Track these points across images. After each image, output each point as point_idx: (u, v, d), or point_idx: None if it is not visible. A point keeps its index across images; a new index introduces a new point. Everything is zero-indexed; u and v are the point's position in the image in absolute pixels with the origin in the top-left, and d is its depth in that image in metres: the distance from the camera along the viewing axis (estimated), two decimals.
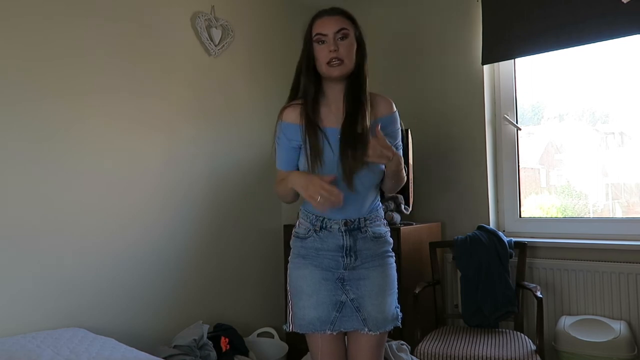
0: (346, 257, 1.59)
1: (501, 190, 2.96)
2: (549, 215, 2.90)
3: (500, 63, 2.93)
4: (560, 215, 2.86)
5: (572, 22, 2.56)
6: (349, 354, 1.66)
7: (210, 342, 2.43)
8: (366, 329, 1.57)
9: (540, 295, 2.32)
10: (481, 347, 2.23)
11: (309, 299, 1.59)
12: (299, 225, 1.68)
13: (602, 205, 2.79)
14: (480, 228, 2.71)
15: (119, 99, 2.46)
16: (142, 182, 2.53)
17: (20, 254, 2.12)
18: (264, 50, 3.14)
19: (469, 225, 2.90)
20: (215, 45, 2.85)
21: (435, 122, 3.08)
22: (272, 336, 2.91)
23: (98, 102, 2.38)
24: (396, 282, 1.66)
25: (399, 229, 2.62)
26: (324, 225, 1.60)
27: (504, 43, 2.77)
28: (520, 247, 2.60)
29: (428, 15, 3.13)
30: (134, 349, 1.94)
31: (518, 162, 2.92)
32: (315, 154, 1.57)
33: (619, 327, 2.32)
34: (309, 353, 2.46)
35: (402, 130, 1.74)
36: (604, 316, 2.45)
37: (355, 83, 1.59)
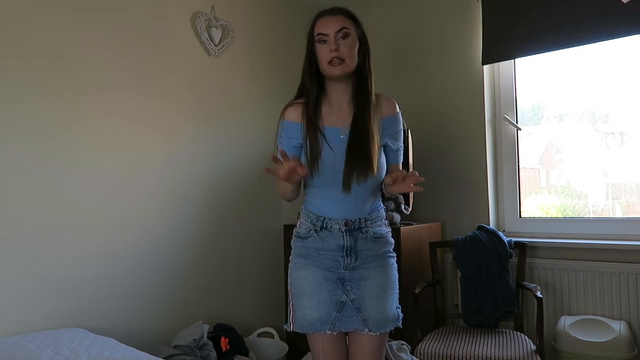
0: (346, 257, 1.59)
1: (501, 190, 2.96)
2: (549, 215, 2.90)
3: (500, 63, 2.93)
4: (560, 215, 2.86)
5: (572, 22, 2.56)
6: (349, 355, 1.65)
7: (210, 342, 2.43)
8: (366, 330, 1.57)
9: (540, 295, 2.32)
10: (481, 347, 2.23)
11: (309, 299, 1.59)
12: (299, 225, 1.68)
13: (602, 205, 2.79)
14: (480, 228, 2.71)
15: (119, 99, 2.46)
16: (142, 182, 2.53)
17: (20, 254, 2.12)
18: (264, 50, 3.14)
19: (469, 225, 2.90)
20: (215, 45, 2.85)
21: (435, 122, 3.08)
22: (272, 336, 2.91)
23: (98, 102, 2.38)
24: (397, 283, 1.66)
25: (399, 229, 2.62)
26: (324, 225, 1.60)
27: (504, 43, 2.77)
28: (520, 247, 2.60)
29: (428, 15, 3.13)
30: (134, 349, 1.94)
31: (518, 162, 2.92)
32: (315, 153, 1.58)
33: (619, 327, 2.32)
34: (309, 353, 2.47)
35: (404, 130, 1.75)
36: (604, 316, 2.45)
37: (360, 83, 1.60)
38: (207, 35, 2.81)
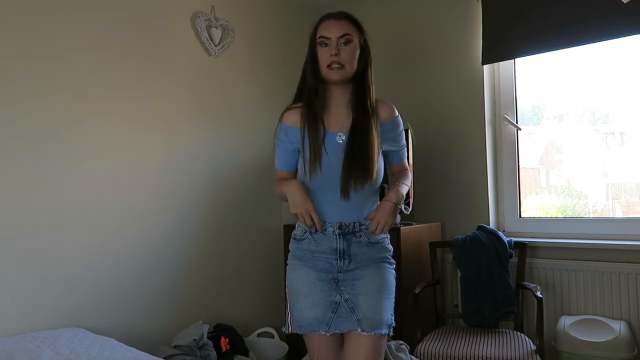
0: (340, 260, 1.59)
1: (501, 190, 2.96)
2: (549, 215, 2.90)
3: (500, 63, 2.93)
4: (560, 215, 2.86)
5: (572, 22, 2.56)
6: (344, 357, 1.63)
7: (210, 342, 2.43)
8: (359, 329, 1.55)
9: (540, 295, 2.32)
10: (481, 347, 2.23)
11: (305, 299, 1.59)
12: (297, 226, 1.68)
13: (602, 205, 2.79)
14: (480, 228, 2.71)
15: (119, 99, 2.46)
16: (142, 182, 2.54)
17: (20, 254, 2.12)
18: (264, 50, 3.14)
19: (469, 225, 2.89)
20: (215, 45, 2.85)
21: (435, 122, 3.08)
22: (272, 336, 2.91)
23: (98, 102, 2.38)
24: (393, 290, 1.63)
25: (399, 229, 2.62)
26: (325, 227, 1.60)
27: (504, 43, 2.77)
28: (520, 247, 2.60)
29: (428, 15, 3.13)
30: (134, 349, 1.94)
31: (518, 162, 2.92)
32: (313, 158, 1.58)
33: (619, 327, 2.32)
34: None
35: (405, 130, 1.79)
36: (604, 316, 2.45)
37: (359, 89, 1.61)
38: (207, 35, 2.81)
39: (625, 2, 2.38)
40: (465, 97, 2.97)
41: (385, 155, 1.70)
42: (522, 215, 2.92)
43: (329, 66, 1.56)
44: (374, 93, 1.64)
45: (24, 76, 2.15)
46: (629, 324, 2.38)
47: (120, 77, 2.47)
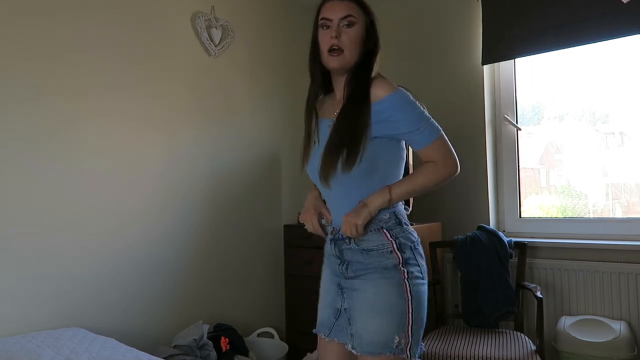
0: (341, 265, 1.51)
1: (501, 190, 2.96)
2: (549, 215, 2.90)
3: (500, 63, 2.93)
4: (560, 215, 2.86)
5: (572, 22, 2.56)
6: None
7: (210, 342, 2.43)
8: (349, 345, 1.43)
9: (540, 295, 2.32)
10: (481, 347, 2.23)
11: (321, 300, 1.58)
12: None
13: (602, 205, 2.79)
14: (480, 228, 2.71)
15: (119, 99, 2.46)
16: (142, 182, 2.54)
17: (20, 254, 2.12)
18: (264, 50, 3.14)
19: (469, 225, 2.89)
20: (215, 46, 2.85)
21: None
22: (272, 336, 2.91)
23: (98, 102, 2.38)
24: (397, 305, 1.39)
25: None
26: (325, 230, 1.57)
27: (504, 43, 2.77)
28: (520, 247, 2.60)
29: (428, 16, 3.13)
30: (134, 349, 1.93)
31: (518, 162, 2.92)
32: (306, 146, 1.54)
33: (619, 327, 2.32)
34: (309, 353, 2.47)
35: (420, 111, 1.47)
36: (604, 316, 2.45)
37: (356, 76, 1.45)
38: (207, 36, 2.81)
39: (625, 2, 2.38)
40: (465, 97, 2.97)
41: (405, 142, 1.47)
42: (522, 216, 2.92)
43: (329, 51, 1.44)
44: (373, 75, 1.46)
45: (24, 76, 2.15)
46: (629, 324, 2.38)
47: (120, 77, 2.47)
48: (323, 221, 1.56)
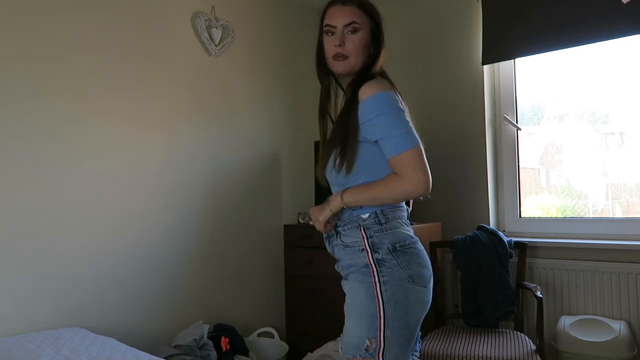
0: (336, 264, 1.52)
1: (501, 190, 2.96)
2: (549, 215, 2.90)
3: (500, 63, 2.93)
4: (560, 215, 2.86)
5: (572, 22, 2.56)
6: None
7: (211, 342, 2.43)
8: (339, 346, 1.42)
9: (540, 295, 2.32)
10: (481, 347, 2.23)
11: None
12: None
13: (602, 205, 2.79)
14: (480, 228, 2.72)
15: (119, 99, 2.46)
16: (142, 182, 2.54)
17: (20, 254, 2.12)
18: (264, 50, 3.14)
19: (469, 225, 2.90)
20: (216, 45, 2.85)
21: (435, 122, 3.08)
22: (272, 336, 2.91)
23: (98, 102, 2.38)
24: (367, 306, 1.35)
25: None
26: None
27: (504, 43, 2.78)
28: (521, 247, 2.60)
29: (428, 16, 3.14)
30: (134, 349, 1.93)
31: (518, 162, 2.92)
32: (322, 147, 1.55)
33: (619, 327, 2.32)
34: (309, 353, 2.47)
35: (392, 115, 1.38)
36: (604, 316, 2.45)
37: (359, 78, 1.44)
38: (207, 35, 2.81)
39: (625, 2, 2.39)
40: (465, 97, 2.97)
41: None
42: (522, 215, 2.92)
43: (334, 57, 1.45)
44: (372, 82, 1.42)
45: (24, 76, 2.15)
46: (629, 324, 2.38)
47: (120, 77, 2.47)
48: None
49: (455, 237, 2.70)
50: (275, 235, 3.15)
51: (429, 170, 1.39)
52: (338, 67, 1.46)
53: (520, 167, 2.92)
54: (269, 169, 3.11)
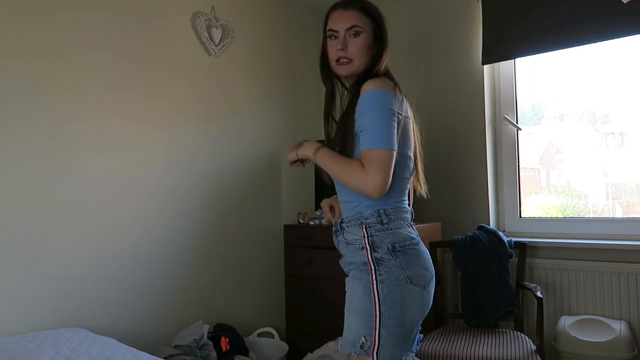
0: (340, 259, 1.54)
1: (501, 190, 2.96)
2: (549, 215, 2.90)
3: (500, 63, 2.93)
4: (560, 215, 2.86)
5: (572, 22, 2.56)
6: None
7: (211, 342, 2.43)
8: (339, 345, 1.43)
9: (540, 295, 2.32)
10: (481, 347, 2.23)
11: None
12: None
13: (602, 205, 2.79)
14: (480, 228, 2.72)
15: (119, 99, 2.46)
16: (143, 182, 2.54)
17: (20, 254, 2.12)
18: (264, 50, 3.14)
19: (469, 225, 2.90)
20: (215, 45, 2.85)
21: (435, 122, 3.08)
22: (272, 336, 2.91)
23: (98, 102, 2.38)
24: (364, 304, 1.37)
25: None
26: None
27: (504, 43, 2.78)
28: (521, 247, 2.60)
29: (428, 16, 3.13)
30: (134, 349, 1.93)
31: (518, 162, 2.92)
32: None
33: (619, 327, 2.32)
34: (309, 353, 2.47)
35: (377, 110, 1.39)
36: (604, 316, 2.45)
37: (361, 79, 1.46)
38: (207, 35, 2.81)
39: (625, 2, 2.38)
40: (465, 97, 2.97)
41: (407, 148, 1.48)
42: (522, 215, 2.92)
43: (337, 60, 1.49)
44: (373, 84, 1.43)
45: (24, 76, 2.15)
46: (629, 324, 2.38)
47: (120, 77, 2.47)
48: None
49: (455, 237, 2.70)
50: (275, 235, 3.15)
51: (390, 179, 1.37)
52: (342, 70, 1.50)
53: (520, 167, 2.92)
54: (269, 169, 3.11)
